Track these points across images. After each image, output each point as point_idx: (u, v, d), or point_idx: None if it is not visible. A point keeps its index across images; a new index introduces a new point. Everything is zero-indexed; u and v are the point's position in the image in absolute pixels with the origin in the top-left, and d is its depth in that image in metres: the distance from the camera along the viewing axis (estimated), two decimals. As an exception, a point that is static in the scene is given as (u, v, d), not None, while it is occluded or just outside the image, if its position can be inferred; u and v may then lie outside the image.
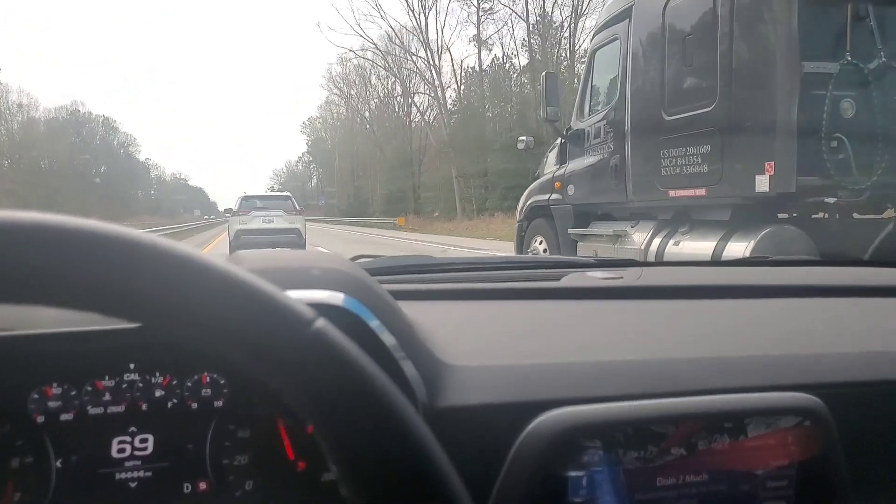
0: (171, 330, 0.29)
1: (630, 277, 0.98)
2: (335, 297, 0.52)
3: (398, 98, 47.40)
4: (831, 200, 3.47)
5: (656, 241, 4.40)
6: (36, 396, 0.58)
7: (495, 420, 0.52)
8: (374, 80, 50.82)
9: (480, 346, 0.66)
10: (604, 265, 1.19)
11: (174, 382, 0.61)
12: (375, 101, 52.45)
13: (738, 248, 3.68)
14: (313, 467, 0.62)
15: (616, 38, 4.84)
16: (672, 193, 4.20)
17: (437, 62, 37.17)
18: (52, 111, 75.44)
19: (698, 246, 3.98)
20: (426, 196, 37.94)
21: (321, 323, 0.30)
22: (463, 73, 39.27)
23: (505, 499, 0.49)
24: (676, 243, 4.22)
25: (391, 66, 41.97)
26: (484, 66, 37.90)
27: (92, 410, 0.59)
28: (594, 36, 5.42)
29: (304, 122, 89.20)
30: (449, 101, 38.34)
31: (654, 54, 4.35)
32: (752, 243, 3.61)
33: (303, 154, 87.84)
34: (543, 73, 5.63)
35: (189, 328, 0.28)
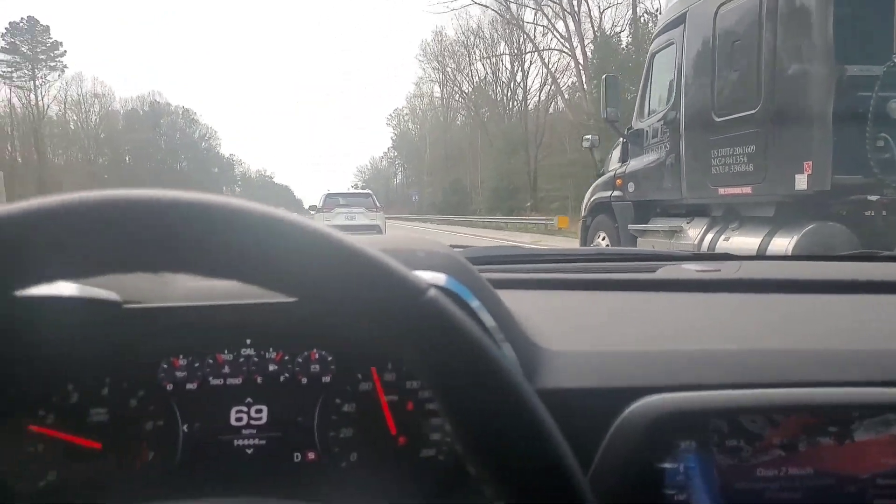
0: (318, 303, 0.31)
1: (728, 270, 0.97)
2: (438, 278, 0.54)
3: (510, 67, 40.64)
4: (874, 198, 3.61)
5: (708, 237, 4.63)
6: (165, 366, 0.63)
7: (591, 404, 0.52)
8: (477, 52, 44.88)
9: (576, 334, 0.66)
10: (699, 258, 1.18)
11: (286, 358, 0.65)
12: (477, 78, 46.50)
13: (782, 243, 3.89)
14: (413, 443, 0.64)
15: (672, 43, 5.08)
16: (721, 191, 4.44)
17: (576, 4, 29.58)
18: (129, 101, 73.06)
19: (746, 241, 4.20)
20: (547, 188, 30.58)
21: (433, 292, 0.31)
22: (600, 29, 30.96)
23: (598, 484, 0.48)
24: (726, 239, 4.44)
25: (509, 13, 35.38)
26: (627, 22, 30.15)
27: (213, 381, 0.64)
28: (653, 40, 5.65)
29: (390, 115, 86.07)
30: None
31: (705, 58, 4.57)
32: (796, 239, 3.81)
33: (388, 149, 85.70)
34: (604, 76, 5.92)
35: (331, 301, 0.31)
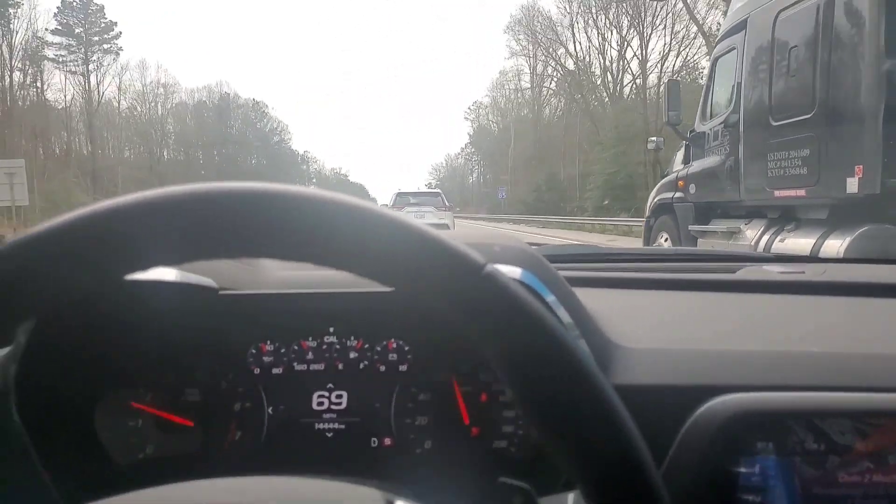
0: (390, 282, 0.33)
1: (813, 273, 0.95)
2: (514, 272, 0.55)
3: (622, 37, 34.60)
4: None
5: (765, 238, 4.75)
6: (254, 351, 0.66)
7: (665, 402, 0.50)
8: (580, 21, 38.90)
9: (652, 332, 0.66)
10: (781, 260, 1.15)
11: (366, 346, 0.67)
12: (578, 54, 40.11)
13: (835, 245, 3.99)
14: (486, 434, 0.66)
15: (734, 48, 5.20)
16: (777, 193, 4.55)
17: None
18: (196, 92, 67.44)
19: (800, 242, 4.31)
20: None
21: (491, 268, 0.32)
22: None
23: (670, 482, 0.46)
24: (782, 240, 4.55)
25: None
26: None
27: (297, 367, 0.67)
28: (716, 44, 5.76)
29: (468, 108, 78.16)
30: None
31: (764, 63, 4.69)
32: (848, 241, 3.90)
33: (465, 146, 78.99)
34: (667, 80, 6.07)
35: (400, 280, 0.32)
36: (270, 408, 0.66)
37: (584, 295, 0.64)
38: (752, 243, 4.86)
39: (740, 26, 5.08)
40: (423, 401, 0.67)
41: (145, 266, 0.31)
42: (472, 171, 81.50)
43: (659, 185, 6.66)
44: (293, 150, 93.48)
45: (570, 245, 1.48)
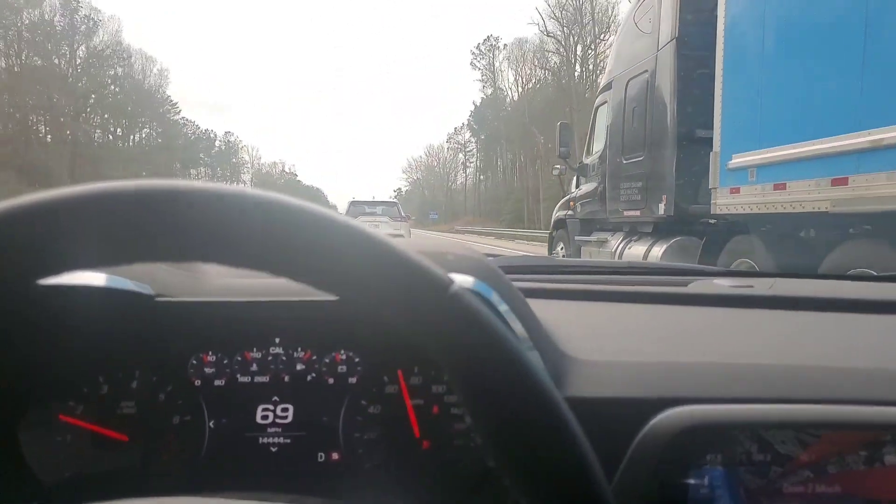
0: (345, 293, 0.31)
1: (761, 287, 0.98)
2: (466, 281, 0.54)
3: None
4: (713, 221, 5.20)
5: (620, 246, 6.27)
6: (194, 362, 0.65)
7: (616, 414, 0.51)
8: None
9: (605, 344, 0.65)
10: (730, 274, 1.19)
11: (314, 358, 0.66)
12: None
13: (657, 251, 5.50)
14: (437, 447, 0.65)
15: (605, 102, 6.77)
16: (626, 213, 6.09)
17: None
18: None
19: (639, 249, 5.82)
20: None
21: (457, 287, 0.31)
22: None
23: (621, 495, 0.47)
24: (629, 248, 6.07)
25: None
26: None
27: (241, 378, 0.65)
28: (597, 97, 7.34)
29: (477, 49, 57.33)
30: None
31: (619, 115, 6.25)
32: (664, 248, 5.43)
33: (460, 127, 62.85)
34: (559, 123, 7.64)
35: (357, 293, 0.31)
36: (212, 421, 0.64)
37: (538, 306, 0.64)
38: (613, 250, 6.38)
39: (609, 86, 6.66)
40: (373, 414, 0.66)
41: (59, 270, 0.29)
42: (465, 166, 65.52)
43: (558, 204, 8.22)
44: (208, 130, 76.22)
45: (525, 256, 1.54)
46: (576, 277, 1.10)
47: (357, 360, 0.66)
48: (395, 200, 20.70)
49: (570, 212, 7.62)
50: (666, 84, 5.21)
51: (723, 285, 1.00)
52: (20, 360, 0.62)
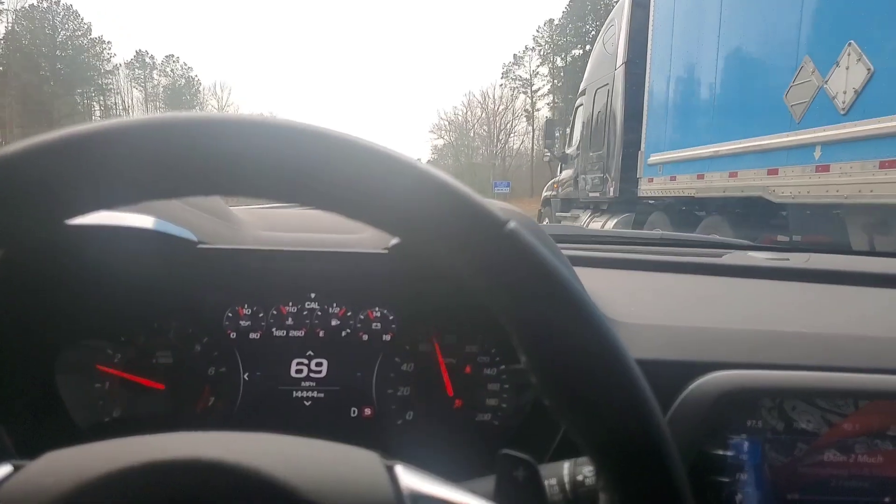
0: (403, 230, 0.30)
1: (797, 260, 0.99)
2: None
3: None
4: (653, 201, 6.88)
5: (587, 221, 7.99)
6: (230, 315, 0.66)
7: (659, 376, 0.48)
8: None
9: (645, 310, 0.66)
10: (765, 248, 1.20)
11: (348, 314, 0.67)
12: None
13: (610, 223, 7.22)
14: (469, 406, 0.66)
15: (581, 104, 8.43)
16: (590, 195, 7.80)
17: None
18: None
19: (598, 223, 7.54)
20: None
21: (513, 224, 0.30)
22: None
23: None
24: (592, 221, 7.80)
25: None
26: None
27: (276, 332, 0.66)
28: (577, 99, 9.00)
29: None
30: None
31: (589, 115, 7.92)
32: (615, 221, 7.14)
33: (538, 30, 43.95)
34: (545, 118, 9.31)
35: (415, 229, 0.30)
36: (246, 374, 0.65)
37: (580, 273, 0.64)
38: (583, 224, 8.11)
39: (584, 91, 8.32)
40: (406, 371, 0.67)
41: (88, 209, 0.28)
42: (530, 117, 43.38)
43: (546, 185, 9.94)
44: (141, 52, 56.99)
45: (563, 226, 1.99)
46: (614, 248, 1.11)
47: (391, 317, 0.68)
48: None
49: (554, 193, 9.34)
50: (618, 98, 6.87)
51: (758, 257, 0.99)
52: (59, 300, 0.62)
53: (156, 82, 59.89)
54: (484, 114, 46.97)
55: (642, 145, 6.19)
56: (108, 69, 54.44)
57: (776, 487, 0.48)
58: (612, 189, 7.01)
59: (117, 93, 55.58)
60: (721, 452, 0.48)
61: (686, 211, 5.61)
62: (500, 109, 46.38)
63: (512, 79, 45.26)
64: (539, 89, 43.98)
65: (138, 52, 59.27)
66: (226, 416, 0.65)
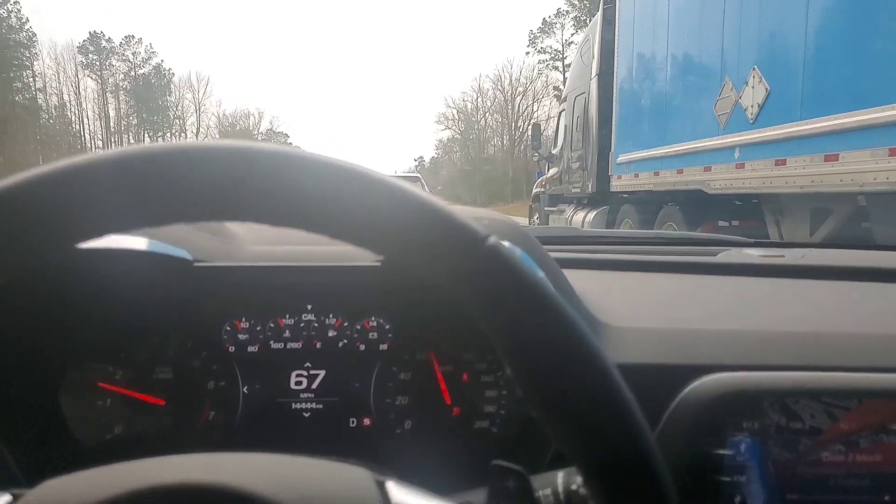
0: (393, 255, 0.31)
1: (792, 257, 0.98)
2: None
3: None
4: (626, 195, 7.81)
5: (570, 214, 8.93)
6: (228, 328, 0.66)
7: (652, 381, 0.49)
8: None
9: (637, 312, 0.66)
10: (760, 245, 1.19)
11: (345, 324, 0.67)
12: None
13: (590, 216, 8.16)
14: (467, 414, 0.67)
15: (564, 109, 9.37)
16: (573, 191, 8.74)
17: None
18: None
19: (580, 216, 8.47)
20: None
21: (494, 240, 0.30)
22: None
23: None
24: (575, 215, 8.74)
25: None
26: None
27: (274, 345, 0.67)
28: (560, 104, 9.94)
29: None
30: None
31: (570, 122, 8.85)
32: (594, 214, 8.07)
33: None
34: (531, 123, 10.26)
35: (397, 249, 0.31)
36: (245, 387, 0.66)
37: (571, 276, 0.65)
38: (568, 217, 9.05)
39: (565, 98, 9.26)
40: (404, 380, 0.67)
41: (97, 234, 0.29)
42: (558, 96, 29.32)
43: (535, 183, 10.89)
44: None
45: (555, 227, 2.16)
46: (606, 248, 1.13)
47: (387, 326, 0.68)
48: (416, 174, 21.01)
49: (542, 189, 10.28)
50: (593, 105, 7.80)
51: (753, 255, 0.99)
52: (66, 323, 0.63)
53: (114, 69, 51.94)
54: (502, 96, 41.47)
55: (612, 147, 7.12)
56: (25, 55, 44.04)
57: (777, 486, 0.48)
58: (590, 185, 7.95)
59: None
60: (721, 452, 0.47)
61: (648, 203, 6.53)
62: (518, 91, 41.06)
63: (540, 50, 39.54)
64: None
65: (92, 34, 50.23)
66: (226, 430, 0.66)
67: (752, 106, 4.35)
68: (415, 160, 72.49)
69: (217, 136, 59.23)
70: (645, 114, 6.32)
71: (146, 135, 55.13)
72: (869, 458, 0.48)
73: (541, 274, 0.52)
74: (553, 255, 0.70)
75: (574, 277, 0.66)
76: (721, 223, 5.24)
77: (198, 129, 59.10)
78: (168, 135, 56.05)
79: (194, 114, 58.76)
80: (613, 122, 7.10)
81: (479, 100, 45.87)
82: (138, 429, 0.65)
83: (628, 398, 0.31)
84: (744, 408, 0.48)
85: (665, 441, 0.47)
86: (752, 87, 4.34)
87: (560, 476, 0.40)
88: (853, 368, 0.51)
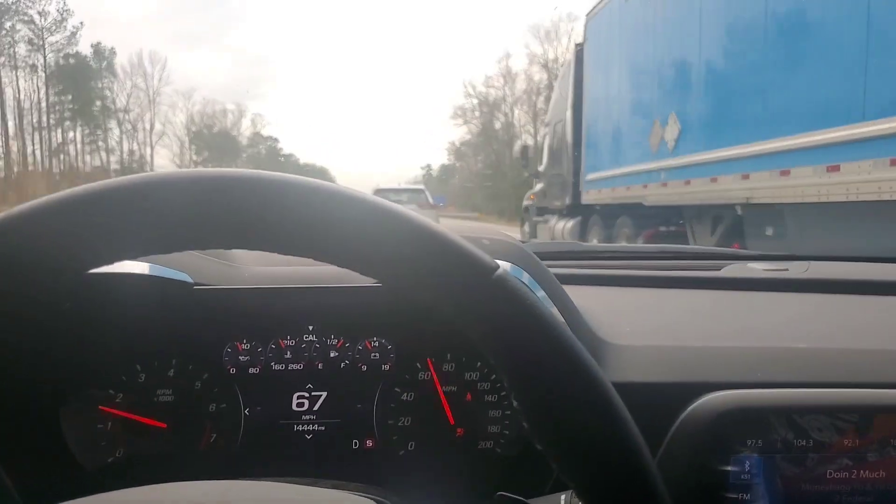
0: (390, 279, 0.31)
1: (796, 270, 0.97)
2: (503, 266, 0.53)
3: None
4: (596, 207, 9.25)
5: (553, 224, 10.39)
6: (229, 350, 0.66)
7: (655, 399, 0.49)
8: None
9: (641, 329, 0.65)
10: (765, 258, 1.18)
11: (347, 345, 0.67)
12: None
13: (569, 225, 9.60)
14: (471, 434, 0.66)
15: (547, 133, 10.87)
16: (554, 203, 10.22)
17: None
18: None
19: (560, 225, 9.92)
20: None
21: (502, 271, 0.31)
22: None
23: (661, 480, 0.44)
24: (557, 225, 10.19)
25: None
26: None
27: (275, 367, 0.67)
28: (545, 126, 11.44)
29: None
30: None
31: (552, 144, 10.34)
32: (570, 224, 9.52)
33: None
34: (522, 146, 11.77)
35: (402, 277, 0.31)
36: (247, 409, 0.66)
37: (573, 292, 0.65)
38: (551, 226, 10.50)
39: (548, 123, 10.77)
40: (407, 401, 0.67)
41: (109, 260, 0.29)
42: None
43: (525, 196, 12.39)
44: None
45: (558, 242, 2.30)
46: (609, 263, 1.11)
47: (389, 347, 0.67)
48: (421, 187, 20.88)
49: (531, 202, 11.79)
50: (568, 131, 9.29)
51: (757, 269, 0.98)
52: (67, 348, 0.63)
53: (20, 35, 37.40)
54: (546, 76, 34.33)
55: (582, 167, 8.61)
56: None
57: (784, 503, 0.47)
58: (567, 199, 9.43)
59: None
60: (725, 469, 0.47)
61: (609, 213, 7.99)
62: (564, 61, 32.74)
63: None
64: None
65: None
66: (228, 452, 0.66)
67: (671, 140, 5.83)
68: (421, 168, 68.62)
69: (187, 136, 53.18)
70: (604, 141, 7.84)
71: (78, 129, 44.34)
72: (875, 474, 0.47)
73: (540, 293, 0.55)
74: (555, 270, 0.72)
75: (576, 294, 0.66)
76: (661, 228, 6.69)
77: (151, 125, 49.08)
78: (101, 130, 46.01)
79: (150, 106, 48.21)
80: (582, 146, 8.59)
81: (508, 85, 38.91)
82: (140, 452, 0.65)
83: (631, 429, 0.31)
84: (748, 425, 0.47)
85: (669, 459, 0.47)
86: (671, 127, 5.82)
87: (563, 499, 0.41)
88: (857, 385, 0.51)
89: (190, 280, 0.62)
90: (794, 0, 4.16)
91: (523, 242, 0.92)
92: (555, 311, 0.56)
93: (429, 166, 66.84)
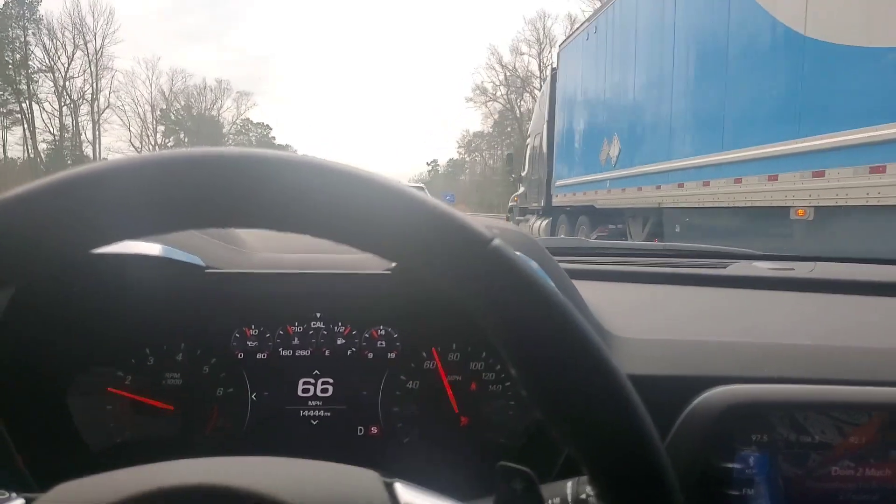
0: (398, 259, 0.31)
1: (802, 270, 0.98)
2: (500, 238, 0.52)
3: None
4: (567, 208, 10.68)
5: (533, 221, 11.82)
6: (237, 335, 0.67)
7: (661, 392, 0.49)
8: None
9: (647, 324, 0.66)
10: (770, 258, 1.19)
11: (353, 333, 0.68)
12: None
13: (544, 223, 11.03)
14: (475, 423, 0.67)
15: (529, 143, 12.32)
16: (532, 205, 11.66)
17: None
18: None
19: (538, 224, 11.35)
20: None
21: (498, 241, 0.30)
22: None
23: None
24: (534, 224, 11.62)
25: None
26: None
27: (283, 352, 0.67)
28: (528, 136, 12.90)
29: None
30: None
31: (533, 153, 11.78)
32: (544, 222, 10.95)
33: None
34: (507, 153, 13.21)
35: (401, 251, 0.30)
36: (254, 394, 0.66)
37: (580, 286, 0.65)
38: (531, 224, 11.94)
39: (529, 135, 12.22)
40: (412, 389, 0.68)
41: (112, 240, 0.29)
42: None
43: (510, 198, 13.86)
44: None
45: (565, 238, 2.19)
46: (616, 259, 1.12)
47: (395, 335, 0.68)
48: (421, 185, 21.40)
49: (515, 203, 13.25)
50: (544, 143, 10.74)
51: (762, 268, 0.99)
52: (71, 326, 0.63)
53: None
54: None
55: (553, 174, 10.07)
56: None
57: (786, 500, 0.47)
58: (542, 201, 10.88)
59: None
60: (729, 465, 0.47)
61: (572, 213, 9.45)
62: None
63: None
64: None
65: None
66: (234, 436, 0.66)
67: (614, 156, 7.30)
68: (428, 164, 65.04)
69: (152, 114, 43.15)
70: (569, 153, 9.33)
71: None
72: (878, 472, 0.47)
73: (550, 284, 0.51)
74: (563, 265, 0.71)
75: (584, 288, 0.66)
76: (610, 226, 8.15)
77: (94, 90, 38.27)
78: (23, 97, 35.38)
79: (91, 68, 37.63)
80: (554, 157, 10.06)
81: (531, 62, 33.63)
82: (147, 434, 0.66)
83: (639, 407, 0.31)
84: (753, 420, 0.47)
85: (674, 453, 0.46)
86: (614, 145, 7.28)
87: (569, 486, 0.40)
88: (863, 382, 0.51)
89: (202, 263, 0.63)
90: (694, 58, 5.62)
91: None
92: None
93: (435, 161, 64.64)
